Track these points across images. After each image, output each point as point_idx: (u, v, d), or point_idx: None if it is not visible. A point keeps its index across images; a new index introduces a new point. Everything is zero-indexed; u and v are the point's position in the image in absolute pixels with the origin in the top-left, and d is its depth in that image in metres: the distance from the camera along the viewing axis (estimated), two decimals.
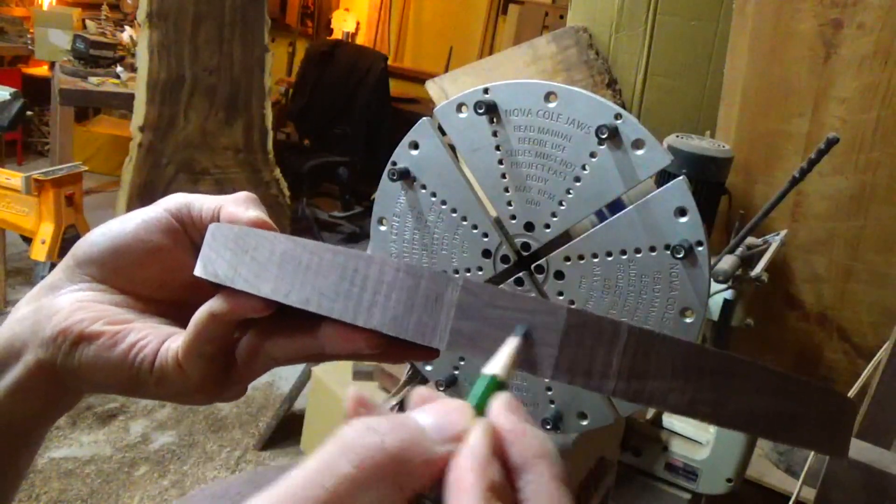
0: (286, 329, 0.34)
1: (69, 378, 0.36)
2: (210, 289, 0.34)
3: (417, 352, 0.33)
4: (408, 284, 0.27)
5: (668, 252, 0.53)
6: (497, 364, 0.25)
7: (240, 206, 0.37)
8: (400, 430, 0.22)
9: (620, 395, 0.25)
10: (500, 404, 0.23)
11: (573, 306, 0.26)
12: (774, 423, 0.27)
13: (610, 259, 0.56)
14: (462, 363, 0.64)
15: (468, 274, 0.61)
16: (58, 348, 0.35)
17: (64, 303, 0.36)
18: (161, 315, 0.38)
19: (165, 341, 0.35)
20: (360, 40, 5.20)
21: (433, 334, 0.26)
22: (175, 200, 0.38)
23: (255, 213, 0.37)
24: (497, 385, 0.24)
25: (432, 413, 0.23)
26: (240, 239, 0.32)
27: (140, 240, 0.37)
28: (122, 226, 0.37)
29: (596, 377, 0.25)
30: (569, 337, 0.25)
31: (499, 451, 0.22)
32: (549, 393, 0.61)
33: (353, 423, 0.22)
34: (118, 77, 3.20)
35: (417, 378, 1.10)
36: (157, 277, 0.38)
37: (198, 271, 0.34)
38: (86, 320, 0.35)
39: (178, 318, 0.38)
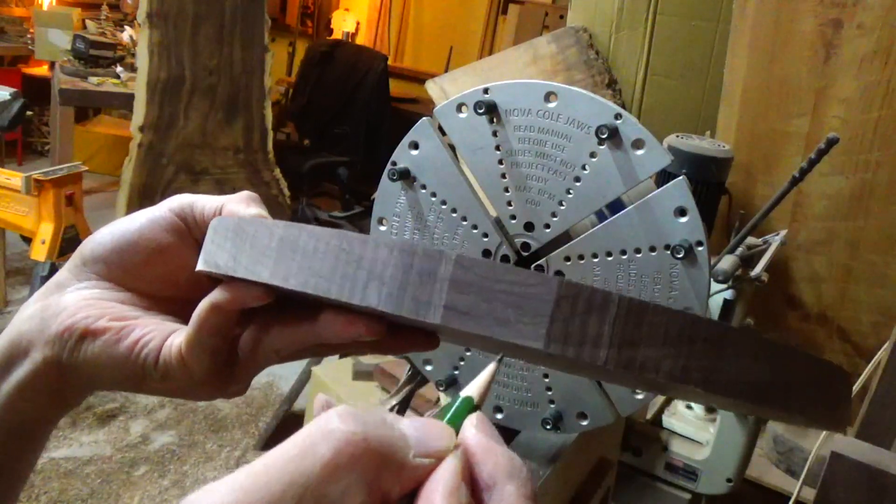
0: (287, 321, 0.35)
1: (74, 375, 0.36)
2: (212, 285, 0.34)
3: (417, 341, 0.34)
4: (402, 262, 0.27)
5: (668, 252, 0.53)
6: (473, 387, 0.26)
7: (241, 203, 0.38)
8: (384, 428, 0.22)
9: (613, 364, 0.25)
10: (471, 423, 0.24)
11: (565, 279, 0.26)
12: (767, 392, 0.27)
13: (610, 259, 0.56)
14: (462, 363, 0.64)
15: None
16: (63, 345, 0.35)
17: (70, 300, 0.36)
18: (166, 313, 0.39)
19: (169, 336, 0.36)
20: (360, 40, 5.20)
21: (427, 309, 0.27)
22: (179, 200, 0.39)
23: (256, 210, 0.37)
24: (471, 407, 0.25)
25: (417, 427, 0.23)
26: (239, 228, 0.32)
27: (145, 238, 0.38)
28: (127, 225, 0.38)
29: (588, 347, 0.25)
30: (560, 307, 0.25)
31: (469, 470, 0.23)
32: (549, 393, 0.61)
33: (342, 409, 0.22)
34: (118, 77, 3.20)
35: (417, 378, 1.10)
36: (162, 275, 0.38)
37: (200, 266, 0.34)
38: (91, 317, 0.35)
39: (182, 315, 0.38)
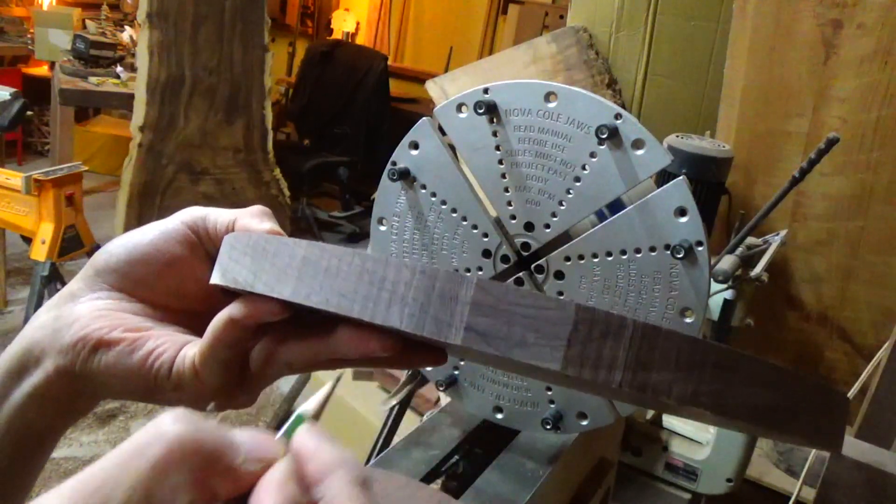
0: (300, 335, 0.35)
1: (87, 385, 0.36)
2: (224, 298, 0.34)
3: (426, 357, 0.34)
4: (424, 284, 0.28)
5: (668, 252, 0.53)
6: (308, 404, 0.28)
7: (254, 218, 0.38)
8: (215, 433, 0.23)
9: (627, 386, 0.26)
10: (301, 430, 0.26)
11: (582, 304, 0.27)
12: (772, 416, 0.28)
13: (610, 259, 0.56)
14: (462, 364, 0.64)
15: (480, 273, 0.61)
16: (77, 355, 0.35)
17: (83, 310, 0.37)
18: (176, 324, 0.39)
19: (183, 348, 0.36)
20: (360, 40, 5.20)
21: (449, 331, 0.28)
22: (191, 213, 0.39)
23: (269, 225, 0.38)
24: (303, 422, 0.27)
25: (249, 436, 0.25)
26: (258, 246, 0.33)
27: (158, 250, 0.38)
28: (140, 236, 0.38)
29: (603, 370, 0.26)
30: (577, 332, 0.26)
31: (300, 471, 0.24)
32: (549, 393, 0.61)
33: (177, 411, 0.23)
34: (118, 77, 3.20)
35: (417, 378, 1.10)
36: (174, 287, 0.39)
37: (215, 279, 0.35)
38: (105, 327, 0.36)
39: (193, 327, 0.38)
